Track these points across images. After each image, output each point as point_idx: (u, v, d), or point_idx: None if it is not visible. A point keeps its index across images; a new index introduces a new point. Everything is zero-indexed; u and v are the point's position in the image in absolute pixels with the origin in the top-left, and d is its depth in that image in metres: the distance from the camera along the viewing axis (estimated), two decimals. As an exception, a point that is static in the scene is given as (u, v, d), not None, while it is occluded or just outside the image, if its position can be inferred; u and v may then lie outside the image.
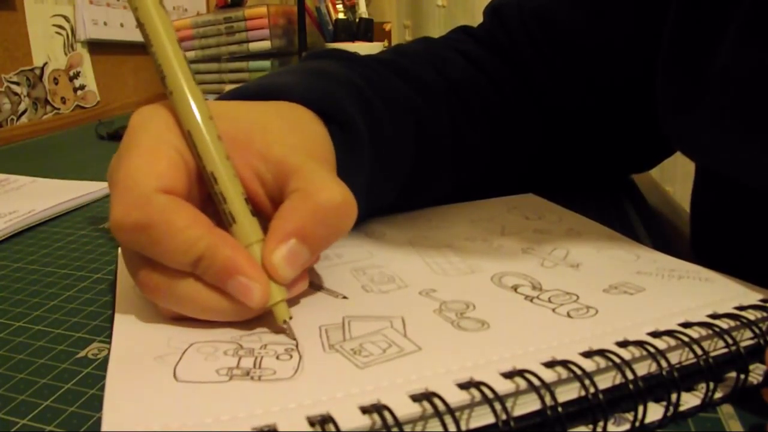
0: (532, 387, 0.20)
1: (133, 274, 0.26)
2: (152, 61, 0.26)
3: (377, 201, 0.36)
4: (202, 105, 0.26)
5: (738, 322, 0.23)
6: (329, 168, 0.27)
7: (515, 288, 0.28)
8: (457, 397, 0.19)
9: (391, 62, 0.41)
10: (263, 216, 0.26)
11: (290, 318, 0.24)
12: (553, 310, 0.25)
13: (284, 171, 0.26)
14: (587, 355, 0.21)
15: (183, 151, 0.25)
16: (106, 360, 0.27)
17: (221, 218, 0.25)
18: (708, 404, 0.22)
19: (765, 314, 0.24)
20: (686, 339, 0.22)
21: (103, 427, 0.19)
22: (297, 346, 0.23)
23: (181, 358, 0.22)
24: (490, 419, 0.19)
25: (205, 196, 0.26)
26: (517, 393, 0.20)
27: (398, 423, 0.18)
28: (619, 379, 0.21)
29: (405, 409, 0.19)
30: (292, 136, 0.28)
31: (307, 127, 0.30)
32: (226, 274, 0.24)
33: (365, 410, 0.18)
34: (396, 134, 0.36)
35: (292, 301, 0.27)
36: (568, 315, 0.25)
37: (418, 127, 0.38)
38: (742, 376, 0.23)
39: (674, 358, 0.22)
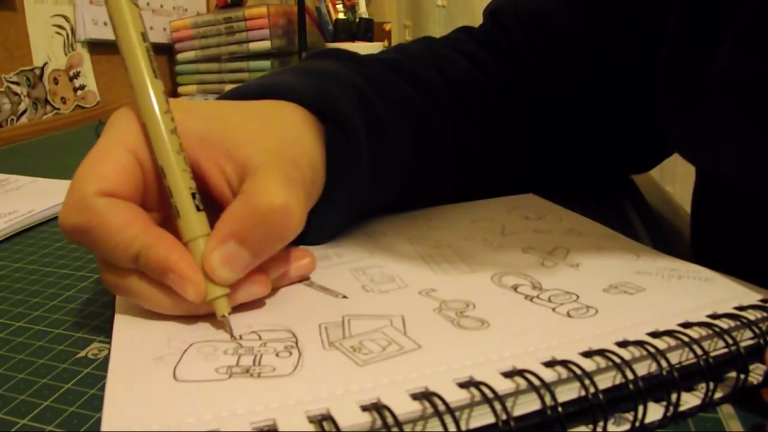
0: (532, 387, 0.20)
1: (100, 271, 0.27)
2: (120, 54, 0.26)
3: (378, 200, 0.36)
4: (160, 99, 0.26)
5: (738, 322, 0.23)
6: (292, 172, 0.26)
7: (515, 287, 0.28)
8: (456, 396, 0.19)
9: (392, 62, 0.41)
10: None
11: (229, 313, 0.25)
12: (553, 309, 0.25)
13: (246, 172, 0.26)
14: (587, 354, 0.21)
15: (139, 150, 0.26)
16: (106, 360, 0.27)
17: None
18: (708, 404, 0.22)
19: (765, 314, 0.24)
20: (686, 339, 0.22)
21: (103, 427, 0.19)
22: (297, 343, 0.23)
23: (181, 359, 0.22)
24: (490, 419, 0.19)
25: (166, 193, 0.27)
26: (517, 393, 0.20)
27: (398, 422, 0.18)
28: (619, 379, 0.21)
29: (404, 407, 0.19)
30: (265, 138, 0.27)
31: (289, 128, 0.29)
32: (161, 272, 0.24)
33: (365, 408, 0.18)
34: (396, 133, 0.36)
35: (292, 304, 0.27)
36: (568, 315, 0.25)
37: (419, 126, 0.38)
38: (742, 376, 0.23)
39: (674, 358, 0.22)
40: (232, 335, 0.24)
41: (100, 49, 0.99)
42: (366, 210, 0.36)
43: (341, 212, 0.34)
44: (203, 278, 0.25)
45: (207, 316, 0.26)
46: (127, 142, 0.26)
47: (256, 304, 0.27)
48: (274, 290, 0.28)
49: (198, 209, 0.25)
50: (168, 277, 0.24)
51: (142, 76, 0.26)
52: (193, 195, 0.26)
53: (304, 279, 0.29)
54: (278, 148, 0.27)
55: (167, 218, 0.27)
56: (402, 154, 0.37)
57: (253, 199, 0.25)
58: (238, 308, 0.26)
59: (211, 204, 0.27)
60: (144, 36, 0.26)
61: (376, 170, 0.34)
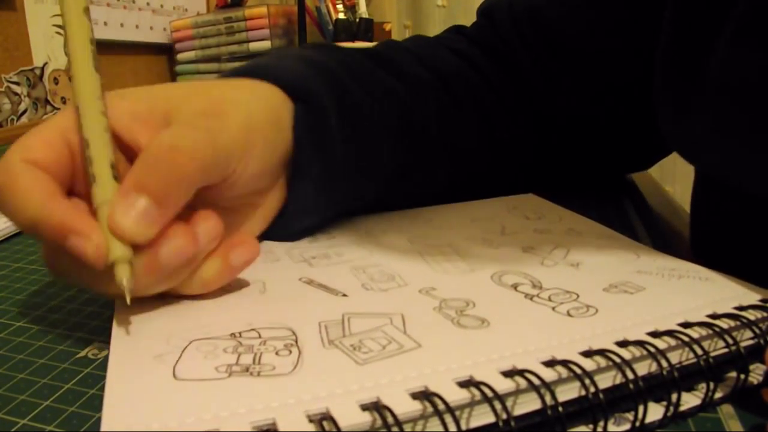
0: (532, 386, 0.20)
1: None
2: (67, 56, 0.28)
3: (359, 188, 0.36)
4: (94, 86, 0.27)
5: (738, 322, 0.23)
6: (201, 121, 0.27)
7: (515, 286, 0.28)
8: (456, 396, 0.19)
9: (374, 53, 0.41)
10: None
11: (128, 279, 0.23)
12: (553, 308, 0.25)
13: None
14: (587, 354, 0.21)
15: (69, 132, 0.27)
16: (106, 360, 0.26)
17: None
18: (708, 404, 0.22)
19: (765, 314, 0.24)
20: (686, 339, 0.22)
21: (103, 427, 0.19)
22: (296, 341, 0.23)
23: (180, 357, 0.22)
24: (490, 418, 0.19)
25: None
26: (517, 392, 0.20)
27: (398, 421, 0.18)
28: (619, 379, 0.21)
29: (404, 407, 0.19)
30: (194, 101, 0.28)
31: (233, 91, 0.30)
32: (60, 236, 0.24)
33: (365, 408, 0.18)
34: (374, 118, 0.36)
35: (292, 302, 0.27)
36: (568, 314, 0.25)
37: (402, 115, 0.38)
38: (742, 376, 0.23)
39: (674, 357, 0.22)
40: (128, 303, 0.23)
41: (100, 49, 0.99)
42: (350, 198, 0.36)
43: (318, 193, 0.33)
44: (103, 237, 0.24)
45: (206, 311, 0.26)
46: (59, 122, 0.27)
47: (256, 301, 0.27)
48: (224, 289, 0.27)
49: (115, 178, 0.25)
50: (68, 242, 0.23)
51: (80, 68, 0.27)
52: (112, 166, 0.25)
53: (250, 262, 0.28)
54: (203, 107, 0.28)
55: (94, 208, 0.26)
56: (383, 138, 0.36)
57: (148, 144, 0.25)
58: (236, 306, 0.26)
59: None
60: (91, 41, 0.28)
61: (353, 151, 0.34)
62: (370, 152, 0.36)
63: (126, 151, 0.27)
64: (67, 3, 0.27)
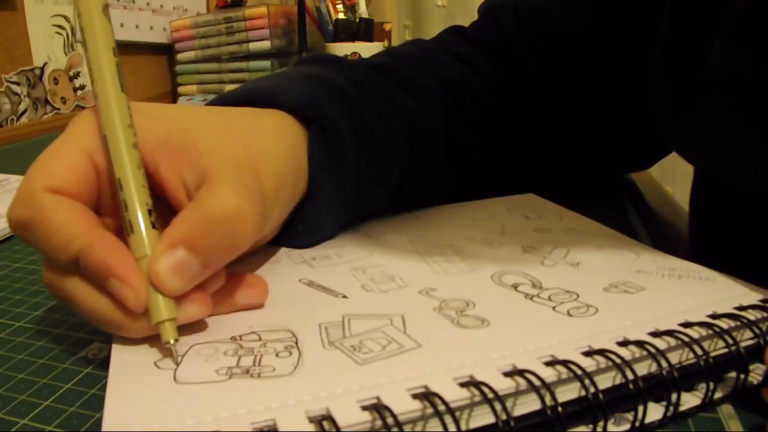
0: (532, 387, 0.20)
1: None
2: (87, 65, 0.26)
3: (368, 202, 0.36)
4: (123, 111, 0.25)
5: (738, 322, 0.23)
6: (250, 181, 0.25)
7: (515, 286, 0.28)
8: (456, 396, 0.19)
9: (381, 65, 0.40)
10: None
11: (176, 340, 0.23)
12: (553, 308, 0.25)
13: (205, 180, 0.25)
14: (587, 354, 0.21)
15: (94, 153, 0.25)
16: (106, 360, 0.26)
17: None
18: (708, 404, 0.22)
19: (765, 314, 0.24)
20: (686, 339, 0.22)
21: (104, 428, 0.19)
22: (297, 342, 0.23)
23: (181, 361, 0.22)
24: (490, 419, 0.19)
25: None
26: (517, 392, 0.20)
27: (398, 422, 0.18)
28: (619, 379, 0.21)
29: (404, 407, 0.19)
30: (229, 146, 0.27)
31: (257, 136, 0.28)
32: (101, 274, 0.23)
33: (365, 408, 0.18)
34: (385, 135, 0.36)
35: (292, 304, 0.27)
36: (568, 313, 0.25)
37: (410, 128, 0.38)
38: (742, 376, 0.23)
39: (674, 358, 0.22)
40: (176, 363, 0.22)
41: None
42: (360, 212, 0.36)
43: (331, 214, 0.33)
44: (146, 286, 0.23)
45: (207, 319, 0.26)
46: (81, 142, 0.25)
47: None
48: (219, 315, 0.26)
49: (153, 227, 0.24)
50: (109, 281, 0.23)
51: (107, 89, 0.25)
52: (149, 212, 0.24)
53: (253, 307, 0.27)
54: (241, 157, 0.26)
55: (121, 229, 0.25)
56: (392, 155, 0.37)
57: (205, 204, 0.24)
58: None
59: (168, 212, 0.26)
60: (114, 51, 0.26)
61: (366, 171, 0.34)
62: (381, 169, 0.36)
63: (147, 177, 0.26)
64: (85, 3, 0.26)
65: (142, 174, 0.25)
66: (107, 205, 0.26)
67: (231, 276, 0.26)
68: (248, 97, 0.32)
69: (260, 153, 0.27)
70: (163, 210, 0.26)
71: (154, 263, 0.23)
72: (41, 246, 0.24)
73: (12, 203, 0.24)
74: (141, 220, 0.24)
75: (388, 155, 0.36)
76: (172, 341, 0.23)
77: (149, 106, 0.28)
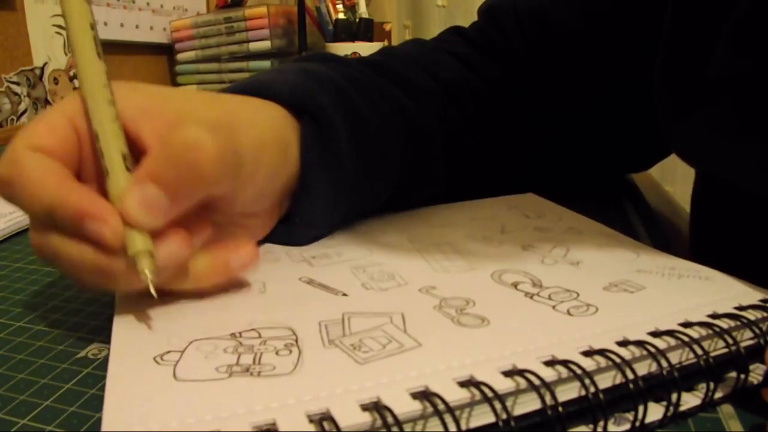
0: (532, 386, 0.20)
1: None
2: (68, 40, 0.28)
3: (366, 198, 0.36)
4: (100, 74, 0.27)
5: (738, 322, 0.23)
6: (225, 131, 0.26)
7: (515, 285, 0.28)
8: (456, 396, 0.19)
9: (378, 63, 0.41)
10: None
11: (152, 272, 0.24)
12: (554, 307, 0.25)
13: None
14: (587, 354, 0.21)
15: (75, 117, 0.27)
16: (106, 360, 0.27)
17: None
18: (708, 404, 0.22)
19: (765, 314, 0.24)
20: (686, 339, 0.22)
21: (103, 427, 0.19)
22: (297, 340, 0.23)
23: (180, 358, 0.22)
24: (490, 418, 0.19)
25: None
26: (517, 392, 0.20)
27: (398, 421, 0.18)
28: (619, 379, 0.21)
29: (404, 406, 0.19)
30: (209, 110, 0.28)
31: (247, 111, 0.30)
32: (76, 220, 0.24)
33: (365, 408, 0.18)
34: (381, 131, 0.36)
35: (292, 302, 0.27)
36: (568, 312, 0.25)
37: (407, 125, 0.38)
38: (742, 376, 0.23)
39: (674, 357, 0.22)
40: (154, 296, 0.24)
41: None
42: (357, 208, 0.36)
43: (327, 207, 0.33)
44: (120, 221, 0.24)
45: (206, 312, 0.26)
46: (64, 109, 0.27)
47: (256, 301, 0.27)
48: (220, 288, 0.27)
49: (128, 170, 0.25)
50: (84, 224, 0.24)
51: (84, 56, 0.27)
52: (124, 157, 0.26)
53: (248, 266, 0.28)
54: (218, 118, 0.27)
55: (104, 192, 0.26)
56: (389, 150, 0.36)
57: (169, 139, 0.25)
58: (237, 306, 0.26)
59: None
60: (92, 25, 0.28)
61: (361, 165, 0.34)
62: (377, 165, 0.36)
63: (128, 144, 0.27)
64: None
65: (118, 127, 0.26)
66: (89, 172, 0.27)
67: (222, 244, 0.27)
68: (243, 90, 0.32)
69: (238, 118, 0.29)
70: None
71: (124, 199, 0.24)
72: (20, 202, 0.25)
73: None
74: (115, 164, 0.25)
75: (384, 151, 0.36)
76: (147, 271, 0.23)
77: (149, 86, 0.29)
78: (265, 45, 1.03)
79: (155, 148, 0.25)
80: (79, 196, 0.24)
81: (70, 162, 0.26)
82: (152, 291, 0.24)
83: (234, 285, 0.28)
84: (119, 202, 0.24)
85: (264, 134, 0.29)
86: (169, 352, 0.23)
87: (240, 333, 0.24)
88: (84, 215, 0.24)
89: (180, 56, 1.08)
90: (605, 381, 0.21)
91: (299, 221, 0.33)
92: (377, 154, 0.35)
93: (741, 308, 0.24)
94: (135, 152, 0.27)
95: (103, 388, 0.23)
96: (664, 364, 0.21)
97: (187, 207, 0.25)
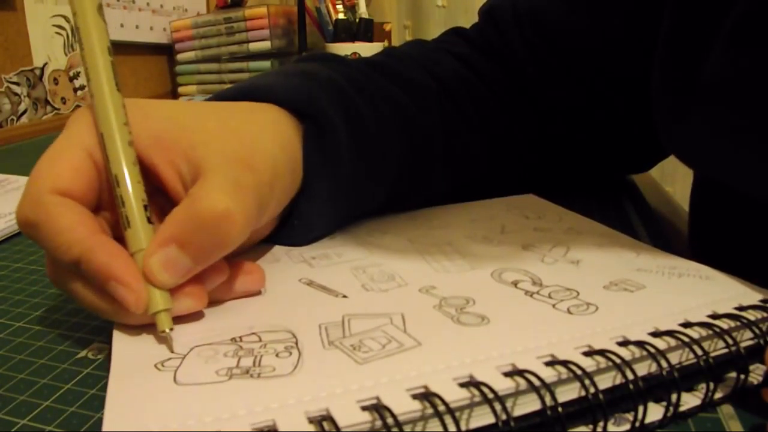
0: (532, 387, 0.20)
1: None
2: (82, 64, 0.27)
3: (365, 199, 0.36)
4: (119, 110, 0.26)
5: (738, 323, 0.23)
6: (244, 176, 0.26)
7: (515, 283, 0.28)
8: (456, 396, 0.19)
9: (378, 63, 0.41)
10: None
11: (171, 329, 0.24)
12: (554, 305, 0.25)
13: (199, 174, 0.26)
14: (587, 354, 0.21)
15: (93, 151, 0.26)
16: (106, 360, 0.27)
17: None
18: (708, 404, 0.22)
19: (765, 314, 0.24)
20: (686, 339, 0.22)
21: (104, 428, 0.19)
22: (297, 343, 0.23)
23: (181, 363, 0.22)
24: (490, 419, 0.19)
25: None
26: (517, 393, 0.20)
27: (398, 422, 0.18)
28: (619, 379, 0.21)
29: (404, 407, 0.18)
30: (223, 140, 0.27)
31: (252, 130, 0.29)
32: (102, 279, 0.24)
33: (365, 408, 0.18)
34: (380, 131, 0.36)
35: (292, 304, 0.27)
36: (569, 311, 0.25)
37: (407, 125, 0.38)
38: (742, 376, 0.23)
39: (674, 358, 0.22)
40: (172, 350, 0.23)
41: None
42: (356, 209, 0.36)
43: (326, 208, 0.33)
44: (145, 288, 0.24)
45: (207, 316, 0.26)
46: (82, 142, 0.26)
47: (257, 304, 0.27)
48: (217, 303, 0.27)
49: (149, 221, 0.25)
50: (109, 285, 0.24)
51: (102, 88, 0.26)
52: (145, 207, 0.25)
53: (251, 294, 0.28)
54: (235, 150, 0.27)
55: (118, 222, 0.26)
56: (389, 150, 0.36)
57: (195, 204, 0.24)
58: (237, 310, 0.26)
59: (166, 203, 0.27)
60: (109, 50, 0.27)
61: (361, 166, 0.34)
62: (377, 165, 0.36)
63: (142, 170, 0.27)
64: (80, 2, 0.26)
65: (137, 171, 0.26)
66: (106, 200, 0.27)
67: (229, 264, 0.27)
68: (245, 93, 0.32)
69: (255, 146, 0.28)
70: (161, 200, 0.27)
71: (148, 259, 0.24)
72: (46, 246, 0.25)
73: (20, 203, 0.25)
74: (137, 216, 0.25)
75: (384, 151, 0.36)
76: (167, 330, 0.24)
77: (144, 103, 0.28)
78: (265, 45, 1.03)
79: (181, 211, 0.25)
80: (108, 256, 0.24)
81: (92, 198, 0.26)
82: (171, 347, 0.24)
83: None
84: (141, 256, 0.25)
85: (277, 159, 0.29)
86: (170, 358, 0.23)
87: (240, 337, 0.24)
88: (111, 278, 0.24)
89: (180, 56, 1.08)
90: (605, 381, 0.21)
91: (298, 223, 0.33)
92: (377, 155, 0.35)
93: (741, 308, 0.24)
94: (150, 179, 0.26)
95: (103, 388, 0.23)
96: (664, 364, 0.21)
97: (209, 264, 0.25)
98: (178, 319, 0.25)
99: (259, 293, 0.28)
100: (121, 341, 0.25)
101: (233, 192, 0.25)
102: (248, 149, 0.27)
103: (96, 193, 0.27)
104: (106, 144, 0.26)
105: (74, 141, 0.26)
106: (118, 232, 0.26)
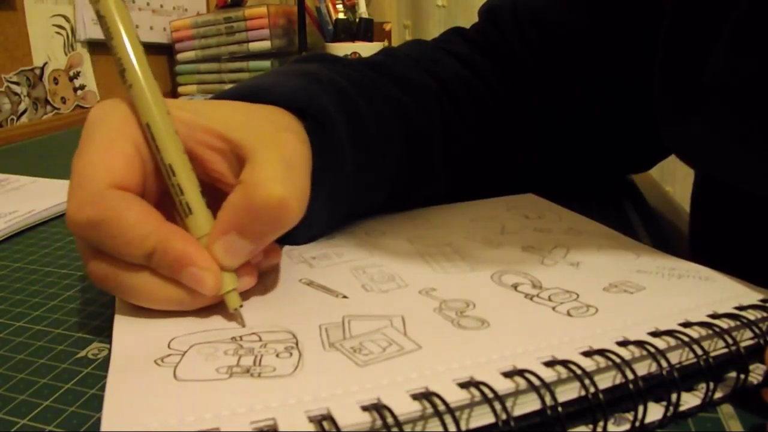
0: (532, 387, 0.20)
1: (85, 262, 0.26)
2: (112, 54, 0.26)
3: (364, 198, 0.36)
4: (160, 99, 0.26)
5: (738, 322, 0.23)
6: (283, 159, 0.26)
7: (515, 286, 0.28)
8: (456, 396, 0.19)
9: (377, 63, 0.41)
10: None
11: (241, 306, 0.26)
12: (553, 308, 0.25)
13: (243, 154, 0.26)
14: (587, 354, 0.21)
15: (140, 144, 0.26)
16: (106, 360, 0.27)
17: (175, 211, 0.27)
18: (708, 404, 0.22)
19: (765, 314, 0.24)
20: (686, 339, 0.22)
21: (103, 427, 0.19)
22: (297, 344, 0.23)
23: (181, 360, 0.22)
24: (490, 419, 0.19)
25: (161, 189, 0.27)
26: (517, 392, 0.20)
27: (398, 422, 0.18)
28: (619, 379, 0.21)
29: (404, 407, 0.19)
30: (257, 125, 0.28)
31: (275, 120, 0.30)
32: (178, 266, 0.25)
33: (365, 408, 0.18)
34: (380, 131, 0.36)
35: (292, 305, 0.27)
36: (568, 313, 0.25)
37: (406, 125, 0.38)
38: (742, 376, 0.23)
39: (674, 357, 0.22)
40: (243, 325, 0.25)
41: (100, 49, 0.99)
42: (355, 208, 0.36)
43: (326, 207, 0.33)
44: (219, 270, 0.25)
45: (207, 315, 0.26)
46: (129, 134, 0.26)
47: (257, 304, 0.27)
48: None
49: (207, 207, 0.26)
50: (185, 271, 0.25)
51: (139, 77, 0.26)
52: (201, 193, 0.26)
53: (271, 268, 0.30)
54: (272, 134, 0.27)
55: (168, 217, 0.27)
56: (388, 150, 0.36)
57: (252, 193, 0.25)
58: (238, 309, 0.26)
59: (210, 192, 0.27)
60: (138, 38, 0.26)
61: (360, 167, 0.34)
62: (377, 165, 0.36)
63: None
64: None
65: (187, 158, 0.26)
66: (149, 190, 0.27)
67: None
68: (245, 94, 0.32)
69: (280, 132, 0.28)
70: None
71: (211, 246, 0.26)
72: (112, 243, 0.25)
73: (76, 202, 0.25)
74: (197, 203, 0.26)
75: (384, 151, 0.36)
76: (238, 307, 0.26)
77: (198, 106, 0.29)
78: (265, 45, 1.03)
79: (238, 199, 0.25)
80: (184, 243, 0.25)
81: (143, 190, 0.26)
82: (243, 322, 0.25)
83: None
84: (204, 241, 0.26)
85: (304, 151, 0.29)
86: (169, 354, 0.23)
87: (240, 336, 0.24)
88: (190, 264, 0.25)
89: (180, 56, 1.08)
90: (605, 381, 0.21)
91: (299, 221, 0.33)
92: (377, 155, 0.36)
93: (741, 308, 0.24)
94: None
95: (103, 388, 0.23)
96: (664, 364, 0.21)
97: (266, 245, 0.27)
98: (178, 317, 0.26)
99: (278, 264, 0.29)
100: (121, 336, 0.25)
101: (287, 179, 0.25)
102: (280, 135, 0.28)
103: (144, 187, 0.27)
104: (154, 135, 0.26)
105: (120, 132, 0.26)
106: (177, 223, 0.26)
